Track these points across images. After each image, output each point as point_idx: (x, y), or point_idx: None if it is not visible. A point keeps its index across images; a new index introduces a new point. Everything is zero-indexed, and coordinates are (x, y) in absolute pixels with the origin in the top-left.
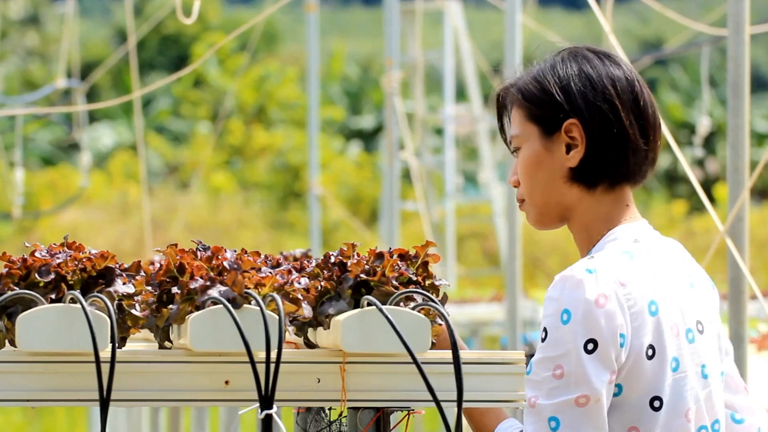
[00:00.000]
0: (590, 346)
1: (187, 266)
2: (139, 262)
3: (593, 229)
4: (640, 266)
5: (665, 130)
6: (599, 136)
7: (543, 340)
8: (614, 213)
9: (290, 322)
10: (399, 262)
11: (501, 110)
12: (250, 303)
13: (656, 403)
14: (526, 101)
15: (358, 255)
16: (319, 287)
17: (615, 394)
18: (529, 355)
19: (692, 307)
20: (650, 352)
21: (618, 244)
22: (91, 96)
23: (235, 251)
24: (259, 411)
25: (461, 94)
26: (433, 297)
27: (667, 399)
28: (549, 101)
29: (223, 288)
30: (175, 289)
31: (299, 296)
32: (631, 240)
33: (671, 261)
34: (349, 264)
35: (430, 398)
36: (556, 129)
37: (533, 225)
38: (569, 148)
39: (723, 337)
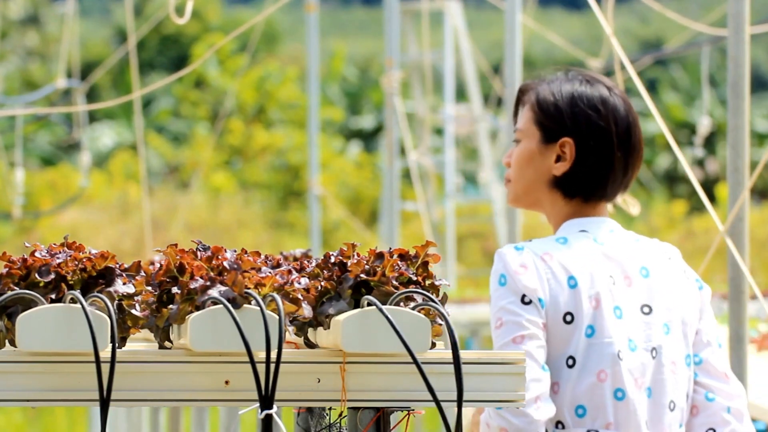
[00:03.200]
0: (519, 300)
1: (187, 266)
2: (139, 262)
3: (558, 225)
4: (571, 250)
5: (665, 130)
6: (587, 158)
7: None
8: (577, 216)
9: (290, 322)
10: (399, 262)
11: (519, 101)
12: (250, 303)
13: (570, 362)
14: (539, 109)
15: (358, 255)
16: (319, 287)
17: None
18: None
19: (637, 292)
20: (568, 318)
21: (561, 232)
22: (91, 96)
23: (235, 251)
24: (259, 411)
25: (461, 94)
26: (433, 297)
27: (580, 359)
28: (556, 117)
29: (223, 288)
30: (175, 289)
31: (299, 296)
32: (576, 230)
33: (621, 252)
34: (349, 264)
35: (430, 398)
36: (554, 140)
37: (508, 202)
38: (558, 159)
39: (704, 331)
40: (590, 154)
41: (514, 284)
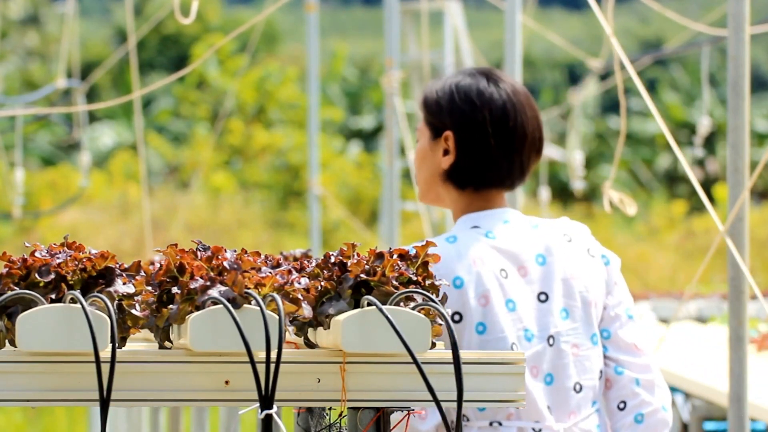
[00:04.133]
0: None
1: (187, 266)
2: (139, 262)
3: (456, 217)
4: (458, 248)
5: (665, 130)
6: (467, 149)
7: None
8: (473, 207)
9: (290, 322)
10: (399, 262)
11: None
12: (250, 303)
13: None
14: (425, 106)
15: (358, 255)
16: (319, 287)
17: None
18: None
19: (533, 281)
20: (456, 317)
21: (453, 230)
22: (91, 96)
23: (235, 251)
24: (259, 411)
25: None
26: (433, 297)
27: None
28: (437, 112)
29: (223, 288)
30: (175, 289)
31: (299, 296)
32: (468, 227)
33: (515, 243)
34: (349, 264)
35: (430, 398)
36: (439, 135)
37: (419, 200)
38: (445, 153)
39: (611, 305)
40: (468, 144)
41: None
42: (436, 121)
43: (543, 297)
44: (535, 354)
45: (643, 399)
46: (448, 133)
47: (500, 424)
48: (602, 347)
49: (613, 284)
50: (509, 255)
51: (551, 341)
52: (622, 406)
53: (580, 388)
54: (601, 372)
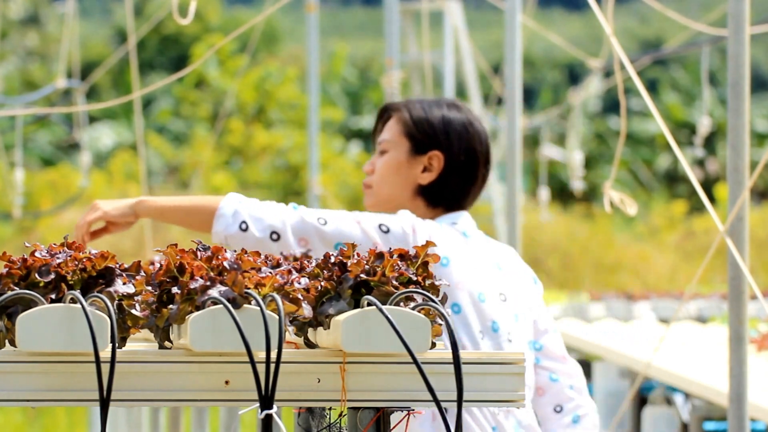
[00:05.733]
0: None
1: (187, 266)
2: (139, 262)
3: None
4: (449, 231)
5: (665, 130)
6: (455, 171)
7: None
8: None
9: (290, 322)
10: (399, 262)
11: (382, 116)
12: (250, 303)
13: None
14: (412, 122)
15: (358, 255)
16: (319, 287)
17: None
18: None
19: (494, 281)
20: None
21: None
22: (91, 96)
23: (235, 251)
24: (259, 411)
25: (461, 94)
26: (433, 297)
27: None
28: (428, 131)
29: (223, 288)
30: (175, 289)
31: (299, 296)
32: (448, 222)
33: (482, 247)
34: (349, 264)
35: (430, 398)
36: (423, 152)
37: (367, 206)
38: (425, 170)
39: (540, 320)
40: (458, 168)
41: None
42: (424, 138)
43: (502, 297)
44: (497, 347)
45: (578, 402)
46: (437, 153)
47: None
48: (534, 358)
49: (542, 301)
50: (477, 254)
51: (510, 339)
52: (558, 409)
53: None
54: (531, 377)
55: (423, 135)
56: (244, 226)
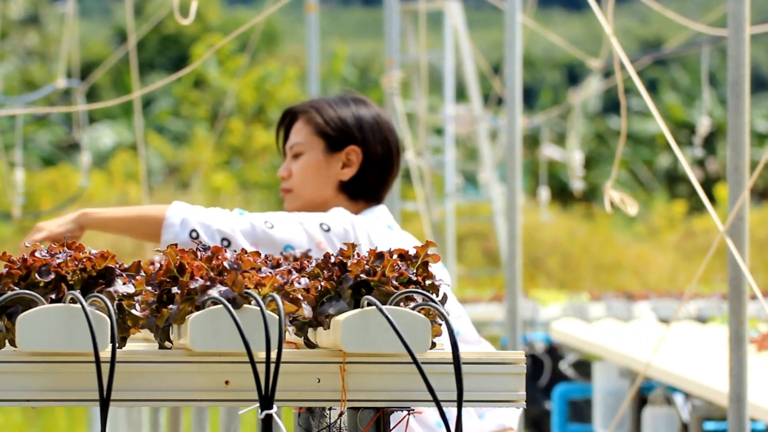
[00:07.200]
0: None
1: (187, 266)
2: (139, 262)
3: None
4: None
5: (665, 130)
6: (373, 163)
7: None
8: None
9: (290, 322)
10: (399, 262)
11: (287, 118)
12: (250, 303)
13: None
14: (323, 121)
15: (358, 255)
16: (319, 287)
17: None
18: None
19: None
20: None
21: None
22: (91, 96)
23: (235, 251)
24: (259, 411)
25: (461, 94)
26: (433, 297)
27: None
28: (341, 128)
29: (223, 288)
30: (175, 289)
31: (299, 296)
32: (373, 216)
33: (401, 237)
34: (349, 264)
35: (430, 398)
36: (339, 149)
37: (289, 210)
38: (344, 166)
39: (452, 306)
40: (377, 160)
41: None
42: (338, 135)
43: None
44: None
45: None
46: (354, 149)
47: None
48: None
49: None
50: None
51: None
52: None
53: None
54: None
55: (338, 132)
56: (194, 234)
